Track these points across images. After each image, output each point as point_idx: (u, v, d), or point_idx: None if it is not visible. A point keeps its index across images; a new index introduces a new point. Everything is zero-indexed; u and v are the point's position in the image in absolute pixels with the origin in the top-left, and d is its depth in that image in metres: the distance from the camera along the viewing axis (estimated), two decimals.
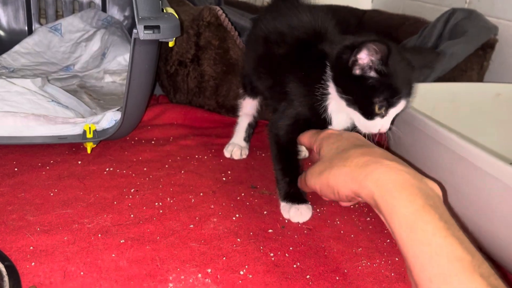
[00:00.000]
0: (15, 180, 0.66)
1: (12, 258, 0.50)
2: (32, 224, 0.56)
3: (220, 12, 0.88)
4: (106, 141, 0.80)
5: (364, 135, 0.58)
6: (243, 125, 0.83)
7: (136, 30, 0.63)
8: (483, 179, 0.51)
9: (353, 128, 0.62)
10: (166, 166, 0.75)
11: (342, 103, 0.59)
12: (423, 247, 0.37)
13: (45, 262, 0.50)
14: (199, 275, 0.51)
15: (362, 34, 0.60)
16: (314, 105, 0.62)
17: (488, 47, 0.95)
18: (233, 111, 0.97)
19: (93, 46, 1.21)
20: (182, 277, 0.50)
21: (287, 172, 0.64)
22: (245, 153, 0.82)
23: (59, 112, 0.79)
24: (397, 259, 0.57)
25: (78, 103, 0.89)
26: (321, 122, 0.62)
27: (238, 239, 0.58)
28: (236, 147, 0.81)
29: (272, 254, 0.56)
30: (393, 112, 0.58)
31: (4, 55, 1.13)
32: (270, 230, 0.61)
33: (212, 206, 0.65)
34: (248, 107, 0.82)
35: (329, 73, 0.60)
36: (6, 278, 0.46)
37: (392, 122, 0.60)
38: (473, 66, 0.95)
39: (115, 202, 0.63)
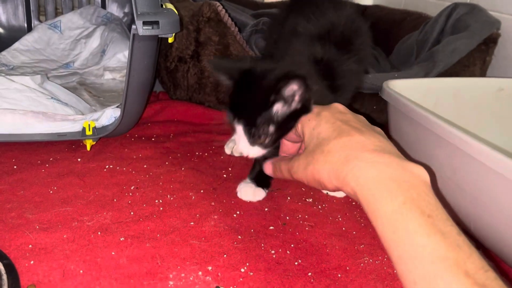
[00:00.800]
0: (14, 178, 0.65)
1: (11, 257, 0.49)
2: (31, 222, 0.56)
3: (220, 7, 0.87)
4: (106, 138, 0.79)
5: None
6: None
7: (135, 26, 0.63)
8: (486, 174, 0.50)
9: None
10: (166, 163, 0.75)
11: None
12: (405, 248, 0.36)
13: (44, 260, 0.50)
14: (200, 272, 0.50)
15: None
16: None
17: (490, 41, 0.94)
18: None
19: (93, 43, 1.20)
20: (183, 274, 0.50)
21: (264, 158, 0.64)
22: None
23: (58, 109, 0.79)
24: None
25: (77, 100, 0.89)
26: None
27: (239, 236, 0.57)
28: None
29: (273, 252, 0.55)
30: (238, 129, 0.55)
31: (4, 53, 1.13)
32: (271, 227, 0.60)
33: (213, 203, 0.64)
34: None
35: None
36: (4, 277, 0.46)
37: None
38: (476, 61, 0.94)
39: (115, 200, 0.63)
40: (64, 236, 0.54)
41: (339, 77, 0.63)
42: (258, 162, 0.66)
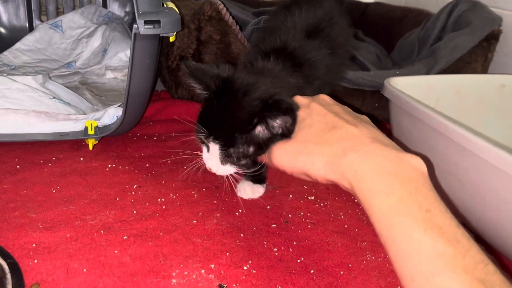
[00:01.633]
0: (17, 177, 0.66)
1: (15, 256, 0.50)
2: (35, 221, 0.56)
3: (221, 6, 0.87)
4: (108, 137, 0.79)
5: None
6: None
7: (136, 25, 0.63)
8: (488, 170, 0.50)
9: None
10: (169, 161, 0.75)
11: None
12: (402, 244, 0.35)
13: (47, 259, 0.50)
14: (203, 270, 0.50)
15: None
16: None
17: (492, 38, 0.94)
18: None
19: (94, 43, 1.20)
20: (186, 272, 0.50)
21: None
22: None
23: (60, 109, 0.79)
24: None
25: (79, 100, 0.89)
26: None
27: (242, 234, 0.57)
28: None
29: (275, 249, 0.55)
30: (212, 148, 0.53)
31: (5, 53, 1.13)
32: (273, 225, 0.60)
33: (215, 202, 0.64)
34: None
35: None
36: (8, 276, 0.46)
37: None
38: (477, 58, 0.94)
39: (117, 199, 0.63)
40: (68, 235, 0.54)
41: (307, 66, 0.61)
42: None
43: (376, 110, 0.91)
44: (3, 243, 0.52)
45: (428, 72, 0.88)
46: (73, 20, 1.24)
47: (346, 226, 0.62)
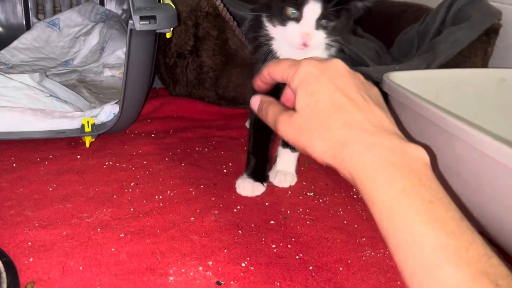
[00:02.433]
0: (13, 176, 0.65)
1: (10, 254, 0.49)
2: (31, 220, 0.56)
3: (218, 2, 0.87)
4: (105, 135, 0.79)
5: None
6: None
7: (132, 21, 0.62)
8: (488, 164, 0.49)
9: None
10: (166, 159, 0.74)
11: (278, 35, 0.59)
12: (403, 236, 0.34)
13: (43, 258, 0.49)
14: (200, 268, 0.50)
15: None
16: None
17: (492, 32, 0.93)
18: (233, 102, 0.96)
19: (92, 40, 1.20)
20: (183, 270, 0.49)
21: (255, 150, 0.67)
22: None
23: (57, 107, 0.79)
24: None
25: (77, 98, 0.88)
26: None
27: (240, 231, 0.57)
28: None
29: (274, 246, 0.55)
30: (308, 12, 0.55)
31: (3, 51, 1.12)
32: (272, 222, 0.60)
33: (213, 199, 0.64)
34: None
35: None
36: (3, 274, 0.46)
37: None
38: (477, 52, 0.93)
39: (114, 196, 0.62)
40: (64, 233, 0.54)
41: None
42: (253, 157, 0.67)
43: None
44: None
45: (427, 66, 0.88)
46: (70, 18, 1.23)
47: (345, 222, 0.61)
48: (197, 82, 0.93)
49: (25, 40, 1.17)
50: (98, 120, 0.75)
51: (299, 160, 0.73)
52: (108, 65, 1.12)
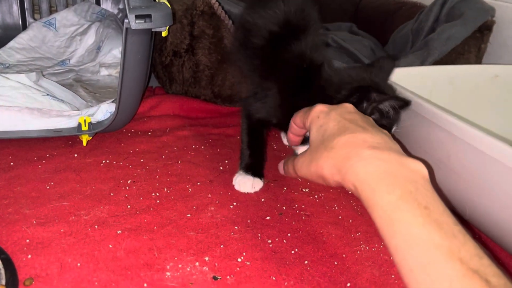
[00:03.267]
0: (11, 174, 0.66)
1: (9, 251, 0.50)
2: (28, 217, 0.56)
3: (213, 0, 0.87)
4: (102, 133, 0.79)
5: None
6: None
7: (127, 20, 0.62)
8: (481, 159, 0.50)
9: None
10: (163, 156, 0.75)
11: None
12: (401, 238, 0.37)
13: (41, 255, 0.50)
14: (197, 263, 0.51)
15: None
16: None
17: (485, 29, 0.94)
18: (229, 100, 0.96)
19: (88, 40, 1.20)
20: (180, 265, 0.50)
21: (251, 147, 0.68)
22: None
23: (54, 106, 0.79)
24: None
25: (73, 97, 0.89)
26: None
27: (236, 227, 0.58)
28: None
29: (270, 241, 0.55)
30: None
31: None
32: (267, 217, 0.60)
33: (209, 195, 0.64)
34: None
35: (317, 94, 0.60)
36: (2, 271, 0.46)
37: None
38: (471, 49, 0.94)
39: (111, 194, 0.63)
40: (61, 230, 0.54)
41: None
42: (250, 154, 0.68)
43: None
44: None
45: (421, 63, 0.89)
46: (66, 18, 1.23)
47: (340, 217, 0.62)
48: (193, 81, 0.94)
49: (21, 40, 1.17)
50: (94, 119, 0.75)
51: None
52: (104, 64, 1.13)
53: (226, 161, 0.75)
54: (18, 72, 1.02)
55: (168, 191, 0.65)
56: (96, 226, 0.56)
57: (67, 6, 1.28)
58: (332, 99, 0.58)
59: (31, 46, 1.18)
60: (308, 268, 0.51)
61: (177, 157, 0.75)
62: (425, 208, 0.37)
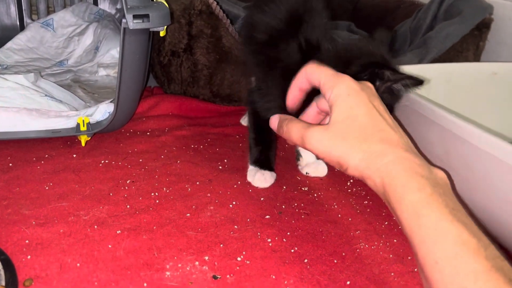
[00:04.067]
0: (9, 175, 0.66)
1: (8, 252, 0.50)
2: (28, 218, 0.56)
3: (211, 0, 0.87)
4: (101, 133, 0.79)
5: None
6: None
7: (125, 20, 0.62)
8: (479, 156, 0.50)
9: None
10: (162, 156, 0.75)
11: None
12: (429, 231, 0.38)
13: (41, 255, 0.50)
14: (196, 262, 0.51)
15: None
16: None
17: (483, 27, 0.94)
18: (228, 100, 0.96)
19: (86, 40, 1.20)
20: (179, 265, 0.50)
21: (260, 142, 0.69)
22: None
23: (52, 107, 0.79)
24: (395, 240, 0.57)
25: (72, 97, 0.88)
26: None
27: (235, 226, 0.58)
28: None
29: (269, 240, 0.55)
30: None
31: None
32: (267, 216, 0.60)
33: (209, 195, 0.64)
34: None
35: None
36: (2, 272, 0.46)
37: None
38: (469, 47, 0.94)
39: (111, 194, 0.63)
40: (61, 230, 0.54)
41: None
42: (262, 149, 0.69)
43: None
44: None
45: (420, 61, 0.89)
46: (64, 19, 1.23)
47: (339, 215, 0.62)
48: (192, 80, 0.94)
49: (19, 41, 1.17)
50: (93, 119, 0.75)
51: (293, 157, 0.74)
52: (102, 64, 1.13)
53: (225, 160, 0.75)
54: (16, 73, 1.02)
55: (167, 191, 0.65)
56: (95, 226, 0.55)
57: (64, 6, 1.28)
58: None
59: (29, 47, 1.18)
60: (308, 267, 0.51)
61: (176, 156, 0.75)
62: (452, 209, 0.38)
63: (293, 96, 0.52)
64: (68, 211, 0.58)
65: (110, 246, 0.52)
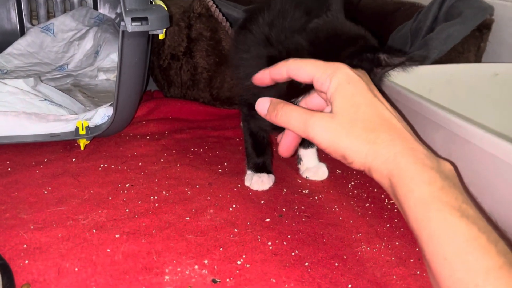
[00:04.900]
0: (8, 180, 0.65)
1: (6, 257, 0.49)
2: (26, 222, 0.56)
3: (211, 3, 0.87)
4: (101, 137, 0.79)
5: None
6: None
7: (123, 23, 0.62)
8: (485, 159, 0.49)
9: None
10: (162, 160, 0.74)
11: None
12: (438, 226, 0.37)
13: (39, 260, 0.49)
14: (196, 266, 0.50)
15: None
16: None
17: (484, 28, 0.93)
18: (228, 103, 0.96)
19: (86, 45, 1.20)
20: (179, 269, 0.49)
21: (256, 146, 0.68)
22: None
23: (52, 111, 0.79)
24: (397, 243, 0.56)
25: (72, 102, 0.88)
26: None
27: (235, 229, 0.57)
28: None
29: (269, 243, 0.55)
30: None
31: None
32: (267, 219, 0.60)
33: (209, 198, 0.64)
34: None
35: None
36: None
37: None
38: (470, 48, 0.94)
39: (110, 198, 0.62)
40: (59, 235, 0.54)
41: None
42: (253, 152, 0.68)
43: None
44: None
45: (421, 63, 0.88)
46: (64, 23, 1.24)
47: (340, 218, 0.61)
48: (192, 83, 0.94)
49: (19, 46, 1.17)
50: (92, 123, 0.75)
51: (294, 160, 0.74)
52: (102, 68, 1.13)
53: (225, 164, 0.75)
54: (16, 77, 1.02)
55: (167, 194, 0.64)
56: (94, 230, 0.55)
57: (65, 11, 1.28)
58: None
59: (29, 52, 1.18)
60: (309, 270, 0.50)
61: (176, 160, 0.75)
62: (462, 202, 0.38)
63: (261, 81, 0.50)
64: (66, 215, 0.58)
65: (108, 250, 0.52)
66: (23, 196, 0.61)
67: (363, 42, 0.52)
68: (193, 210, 0.61)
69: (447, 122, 0.54)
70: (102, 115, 0.75)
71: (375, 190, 0.69)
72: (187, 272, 0.49)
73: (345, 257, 0.53)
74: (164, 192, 0.65)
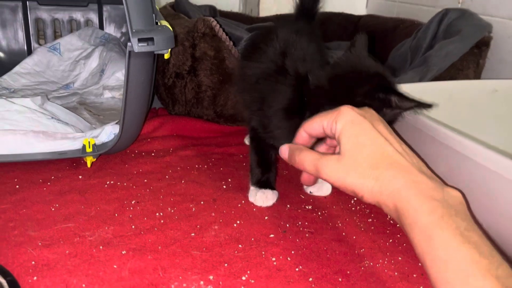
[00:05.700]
0: (16, 197, 0.66)
1: (14, 273, 0.50)
2: (34, 239, 0.57)
3: (215, 23, 0.89)
4: (107, 155, 0.80)
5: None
6: None
7: (130, 43, 0.64)
8: (486, 175, 0.50)
9: None
10: (167, 176, 0.75)
11: None
12: (440, 252, 0.39)
13: (47, 276, 0.50)
14: (201, 282, 0.51)
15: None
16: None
17: (483, 45, 0.95)
18: (232, 120, 0.97)
19: (92, 63, 1.22)
20: (184, 285, 0.50)
21: (261, 164, 0.69)
22: None
23: (59, 129, 0.80)
24: (400, 258, 0.57)
25: (78, 120, 0.90)
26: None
27: (240, 245, 0.58)
28: None
29: (274, 259, 0.55)
30: None
31: (4, 76, 1.15)
32: (271, 235, 0.60)
33: (213, 214, 0.65)
34: None
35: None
36: None
37: None
38: (469, 65, 0.95)
39: (116, 214, 0.63)
40: (66, 251, 0.55)
41: None
42: (263, 170, 0.69)
43: None
44: (3, 261, 0.52)
45: (420, 79, 0.90)
46: (70, 43, 1.26)
47: (344, 234, 0.62)
48: (196, 101, 0.95)
49: (26, 65, 1.20)
50: (99, 141, 0.76)
51: (297, 176, 0.74)
52: (108, 87, 1.14)
53: (229, 180, 0.76)
54: (23, 96, 1.04)
55: (172, 211, 0.65)
56: (101, 247, 0.56)
57: (71, 31, 1.31)
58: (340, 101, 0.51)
59: (36, 71, 1.20)
60: (313, 285, 0.51)
61: (181, 176, 0.76)
62: (464, 229, 0.39)
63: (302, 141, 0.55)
64: (73, 232, 0.59)
65: (115, 266, 0.52)
66: (31, 213, 0.62)
67: (378, 81, 0.55)
68: (198, 226, 0.62)
69: (448, 139, 0.55)
70: (108, 132, 0.76)
71: None
72: None
73: (348, 272, 0.54)
74: (169, 209, 0.65)
